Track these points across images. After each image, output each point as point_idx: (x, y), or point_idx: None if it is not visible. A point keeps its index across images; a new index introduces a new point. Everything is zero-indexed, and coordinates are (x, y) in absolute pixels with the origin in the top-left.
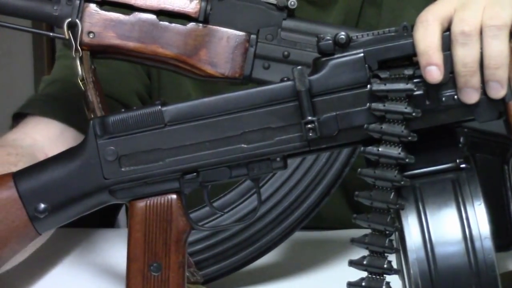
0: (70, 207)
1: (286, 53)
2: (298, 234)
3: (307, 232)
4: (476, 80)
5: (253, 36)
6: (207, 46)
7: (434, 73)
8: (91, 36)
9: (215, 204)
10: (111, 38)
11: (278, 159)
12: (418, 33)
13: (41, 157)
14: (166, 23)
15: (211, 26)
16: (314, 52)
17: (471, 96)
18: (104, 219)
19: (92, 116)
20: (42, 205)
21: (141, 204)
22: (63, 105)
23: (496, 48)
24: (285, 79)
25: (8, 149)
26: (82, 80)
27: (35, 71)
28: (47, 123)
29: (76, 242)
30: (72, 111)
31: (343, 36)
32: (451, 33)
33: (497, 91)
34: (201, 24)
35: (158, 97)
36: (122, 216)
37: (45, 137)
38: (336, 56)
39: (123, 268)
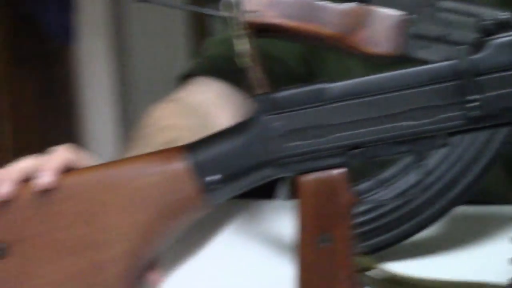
0: (240, 179)
1: (444, 33)
2: (459, 209)
3: (468, 207)
4: None
5: (411, 16)
6: (366, 25)
7: None
8: (254, 15)
9: (376, 179)
10: (273, 17)
11: (440, 136)
12: None
13: (213, 115)
14: (324, 3)
15: (370, 6)
16: (472, 32)
17: None
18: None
19: (257, 92)
20: (214, 177)
21: (307, 178)
22: (230, 65)
23: None
24: (446, 58)
25: (181, 107)
26: (246, 58)
27: (188, 49)
28: (215, 84)
29: (238, 213)
30: (238, 71)
31: (505, 16)
32: None
33: None
34: (360, 4)
35: (320, 66)
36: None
37: (215, 97)
38: (498, 36)
39: (284, 239)
